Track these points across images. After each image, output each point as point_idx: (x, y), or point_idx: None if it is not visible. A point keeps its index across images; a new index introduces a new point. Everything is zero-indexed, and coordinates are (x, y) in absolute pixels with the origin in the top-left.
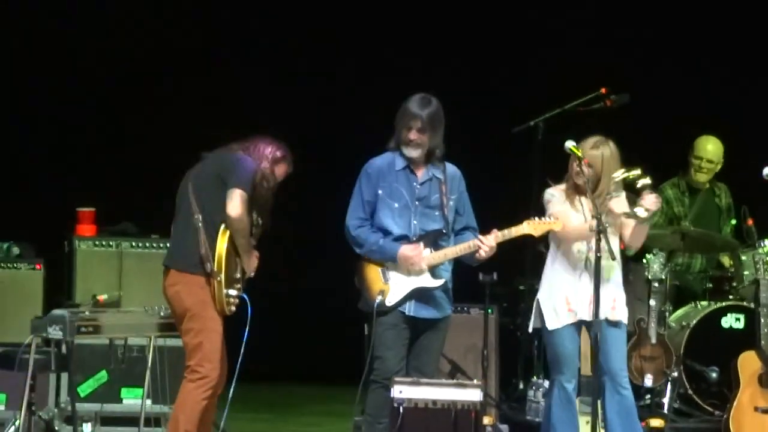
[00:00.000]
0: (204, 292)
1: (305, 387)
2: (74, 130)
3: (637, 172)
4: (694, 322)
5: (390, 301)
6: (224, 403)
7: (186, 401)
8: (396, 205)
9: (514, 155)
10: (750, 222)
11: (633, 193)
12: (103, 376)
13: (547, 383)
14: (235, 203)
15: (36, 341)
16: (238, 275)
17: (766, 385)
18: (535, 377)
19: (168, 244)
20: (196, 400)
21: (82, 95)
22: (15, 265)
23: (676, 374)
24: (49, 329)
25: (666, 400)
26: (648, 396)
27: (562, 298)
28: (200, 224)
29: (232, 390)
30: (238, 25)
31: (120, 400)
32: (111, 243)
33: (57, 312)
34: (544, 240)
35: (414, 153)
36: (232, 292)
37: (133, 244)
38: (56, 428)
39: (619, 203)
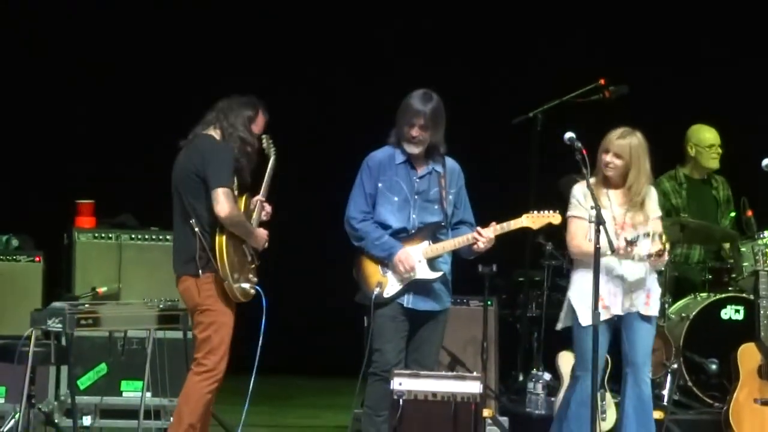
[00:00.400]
0: (214, 287)
1: (304, 379)
2: (74, 122)
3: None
4: (694, 313)
5: (388, 292)
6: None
7: (191, 394)
8: (395, 198)
9: (513, 147)
10: (749, 213)
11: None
12: (102, 368)
13: (546, 375)
14: (222, 204)
15: (35, 334)
16: (250, 258)
17: (766, 377)
18: (534, 369)
19: (169, 238)
20: (201, 393)
21: (81, 86)
22: (14, 257)
23: (675, 366)
24: (48, 322)
25: (666, 392)
26: None
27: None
28: (196, 228)
29: (252, 383)
30: (238, 20)
31: (120, 393)
32: (110, 235)
33: (56, 304)
34: (544, 232)
35: (415, 150)
36: (245, 285)
37: (133, 236)
38: (56, 421)
39: (643, 245)
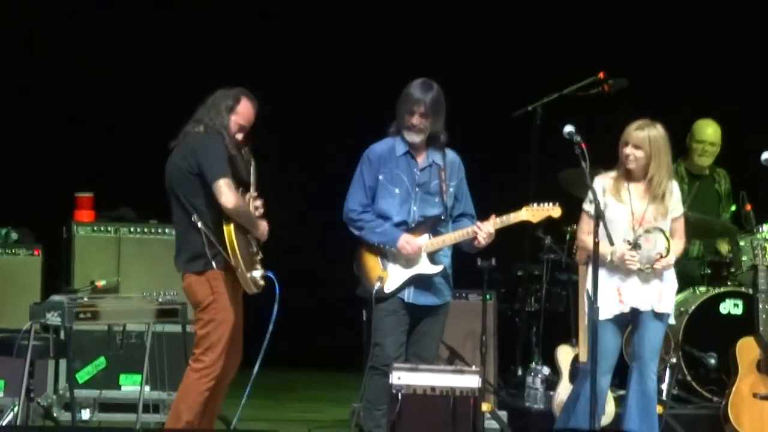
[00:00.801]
0: (217, 283)
1: (305, 373)
2: (73, 115)
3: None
4: (693, 308)
5: (389, 287)
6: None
7: (188, 391)
8: (396, 190)
9: (512, 140)
10: (748, 207)
11: None
12: (101, 362)
13: (545, 369)
14: (226, 195)
15: (34, 327)
16: (255, 248)
17: (765, 372)
18: (533, 363)
19: (168, 231)
20: (198, 391)
21: (80, 80)
22: (13, 250)
23: (674, 360)
24: (47, 315)
25: (665, 387)
26: None
27: (613, 288)
28: (200, 224)
29: (253, 376)
30: (237, 17)
31: (118, 387)
32: (109, 228)
33: (55, 298)
34: (543, 226)
35: (416, 138)
36: (257, 273)
37: (132, 229)
38: (55, 414)
39: (658, 241)
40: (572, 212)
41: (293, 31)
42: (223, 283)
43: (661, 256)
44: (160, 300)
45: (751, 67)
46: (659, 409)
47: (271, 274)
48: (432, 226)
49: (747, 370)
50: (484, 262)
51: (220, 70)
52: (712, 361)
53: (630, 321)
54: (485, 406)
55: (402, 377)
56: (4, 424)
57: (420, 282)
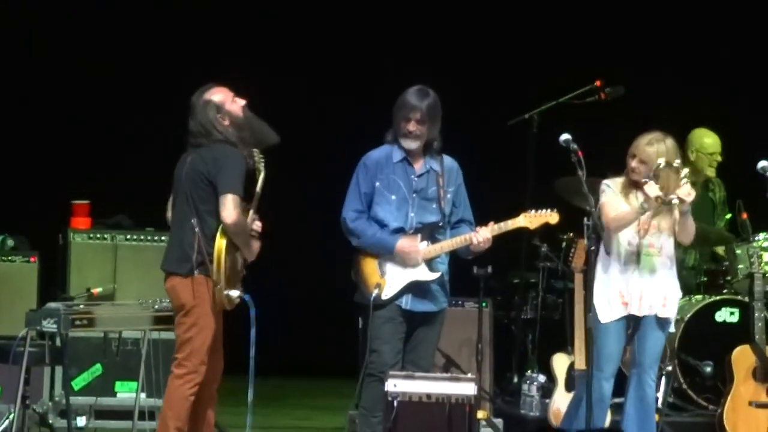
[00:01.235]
0: (201, 288)
1: (301, 380)
2: (69, 123)
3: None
4: (689, 316)
5: (386, 294)
6: (226, 396)
7: (173, 397)
8: (393, 197)
9: (509, 148)
10: (744, 216)
11: None
12: (97, 369)
13: (541, 377)
14: (229, 209)
15: (30, 334)
16: (240, 267)
17: (761, 380)
18: (529, 371)
19: (164, 239)
20: (183, 396)
21: (78, 87)
22: (9, 257)
23: (670, 368)
24: (43, 322)
25: (660, 395)
26: None
27: (616, 291)
28: (196, 228)
29: (251, 392)
30: (236, 20)
31: (114, 394)
32: (106, 236)
33: (51, 305)
34: (539, 233)
35: (413, 144)
36: (234, 292)
37: (128, 236)
38: (50, 421)
39: (651, 188)
40: (568, 220)
41: (292, 36)
42: (207, 289)
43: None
44: (156, 307)
45: (747, 74)
46: (655, 416)
47: (247, 297)
48: (430, 232)
49: (743, 378)
50: (480, 269)
51: (217, 77)
52: (708, 369)
53: (632, 326)
54: (481, 414)
55: (398, 384)
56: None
57: (417, 289)
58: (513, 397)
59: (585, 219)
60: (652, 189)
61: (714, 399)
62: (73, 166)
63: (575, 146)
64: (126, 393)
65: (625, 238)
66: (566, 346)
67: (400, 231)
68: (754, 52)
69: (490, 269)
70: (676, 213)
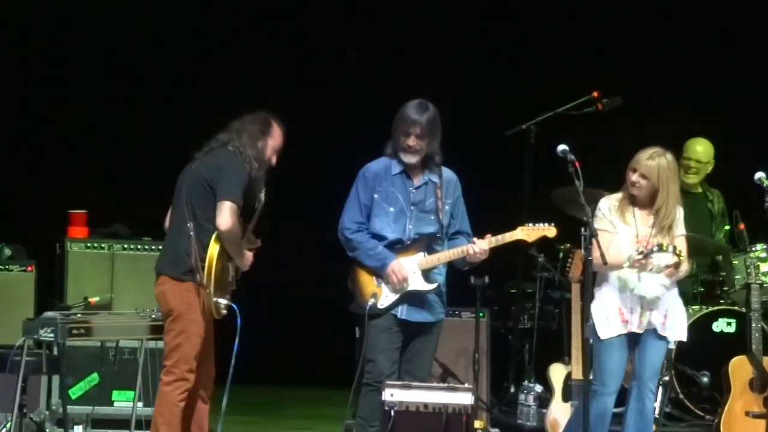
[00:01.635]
0: (190, 295)
1: (296, 389)
2: (67, 132)
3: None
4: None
5: (382, 303)
6: (218, 408)
7: (163, 405)
8: (391, 209)
9: (506, 158)
10: (741, 226)
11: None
12: (94, 378)
13: (538, 387)
14: (225, 216)
15: (28, 343)
16: (231, 278)
17: (758, 390)
18: (526, 381)
19: (160, 247)
20: (173, 403)
21: (75, 97)
22: (7, 266)
23: (667, 378)
24: (40, 331)
25: (657, 405)
26: None
27: (614, 308)
28: (192, 233)
29: (225, 399)
30: (236, 28)
31: (111, 403)
32: (103, 245)
33: (49, 314)
34: (536, 244)
35: (412, 159)
36: (222, 300)
37: (125, 246)
38: (47, 430)
39: (663, 257)
40: (565, 231)
41: (291, 44)
42: (196, 296)
43: (672, 267)
44: (153, 316)
45: (745, 85)
46: (652, 427)
47: (234, 306)
48: (427, 243)
49: (740, 389)
50: (478, 279)
51: (216, 87)
52: (705, 379)
53: (633, 340)
54: (478, 424)
55: (395, 394)
56: None
57: (414, 299)
58: (510, 407)
59: (582, 229)
60: (664, 258)
61: (711, 409)
62: (70, 175)
63: (572, 157)
64: (123, 402)
65: (626, 253)
66: (563, 356)
67: (398, 242)
68: (753, 61)
69: (487, 279)
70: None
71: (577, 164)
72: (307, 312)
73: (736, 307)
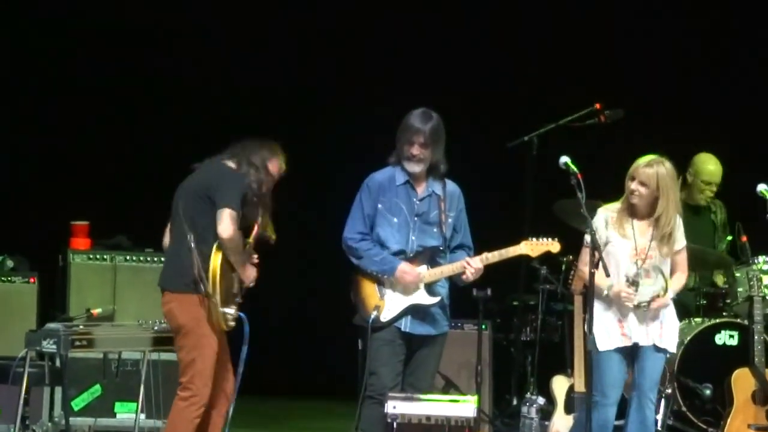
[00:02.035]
0: (198, 309)
1: (301, 401)
2: (69, 144)
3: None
4: (688, 338)
5: (385, 316)
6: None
7: (177, 421)
8: (395, 220)
9: (509, 170)
10: (744, 239)
11: None
12: (96, 389)
13: (540, 399)
14: (226, 224)
15: (30, 355)
16: (236, 290)
17: (760, 403)
18: (528, 393)
19: (164, 260)
20: (188, 419)
21: (76, 109)
22: (9, 278)
23: (669, 391)
24: (43, 343)
25: (660, 417)
26: None
27: (614, 320)
28: (193, 244)
29: (231, 409)
30: (235, 39)
31: (114, 414)
32: (105, 256)
33: (51, 326)
34: (539, 257)
35: (416, 168)
36: (229, 310)
37: (128, 257)
38: None
39: (657, 280)
40: (568, 243)
41: (294, 55)
42: (203, 309)
43: (658, 296)
44: (155, 328)
45: (747, 96)
46: None
47: (243, 315)
48: (430, 256)
49: (742, 402)
50: (480, 291)
51: (215, 95)
52: (708, 391)
53: (633, 352)
54: None
55: (397, 406)
56: None
57: (417, 311)
58: (512, 420)
59: (585, 240)
60: (629, 299)
61: (713, 422)
62: (72, 187)
63: (575, 169)
64: (125, 414)
65: (623, 269)
66: (566, 368)
67: (401, 254)
68: (754, 71)
69: (489, 291)
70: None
71: (579, 176)
72: (309, 324)
73: (738, 320)
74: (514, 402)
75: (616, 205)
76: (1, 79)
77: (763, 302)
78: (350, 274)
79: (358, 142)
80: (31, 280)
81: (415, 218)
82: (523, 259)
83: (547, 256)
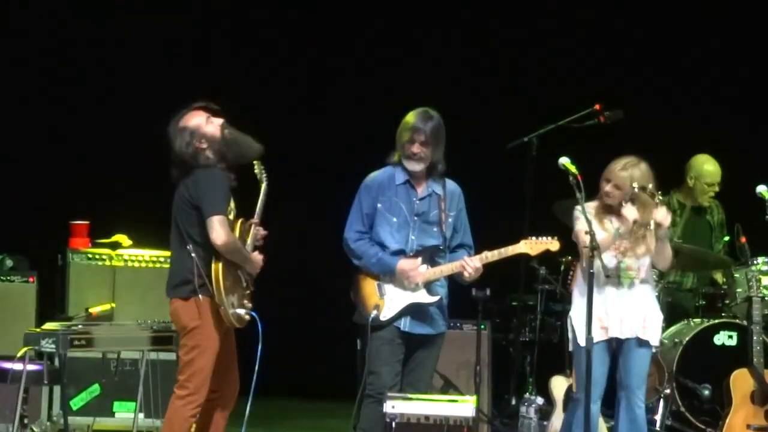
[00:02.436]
0: (202, 310)
1: (300, 401)
2: (68, 143)
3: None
4: (687, 339)
5: (385, 315)
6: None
7: (173, 420)
8: (395, 219)
9: (508, 171)
10: (743, 240)
11: None
12: (95, 389)
13: (539, 399)
14: (217, 231)
15: (29, 354)
16: (245, 284)
17: (759, 403)
18: (527, 393)
19: (163, 259)
20: (183, 418)
21: (76, 107)
22: (8, 277)
23: (668, 391)
24: (42, 342)
25: (658, 417)
26: None
27: (594, 315)
28: (193, 254)
29: (248, 407)
30: (233, 40)
31: (112, 414)
32: (104, 256)
33: (50, 325)
34: (538, 257)
35: (417, 167)
36: (241, 311)
37: (127, 257)
38: None
39: (629, 210)
40: (567, 243)
41: (292, 53)
42: (210, 310)
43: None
44: (154, 327)
45: (745, 97)
46: None
47: (254, 314)
48: (430, 256)
49: (741, 402)
50: (479, 292)
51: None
52: (706, 392)
53: (615, 347)
54: None
55: (396, 406)
56: None
57: (416, 311)
58: (511, 420)
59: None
60: (630, 212)
61: (712, 422)
62: (71, 186)
63: (574, 169)
64: (124, 413)
65: (604, 261)
66: (564, 368)
67: (400, 253)
68: (753, 73)
69: (488, 292)
70: (651, 240)
71: (579, 177)
72: (310, 323)
73: (737, 320)
74: (513, 402)
75: (592, 204)
76: (1, 79)
77: (762, 303)
78: (349, 272)
79: (358, 142)
80: (31, 279)
81: (415, 218)
82: (522, 259)
83: (546, 257)
